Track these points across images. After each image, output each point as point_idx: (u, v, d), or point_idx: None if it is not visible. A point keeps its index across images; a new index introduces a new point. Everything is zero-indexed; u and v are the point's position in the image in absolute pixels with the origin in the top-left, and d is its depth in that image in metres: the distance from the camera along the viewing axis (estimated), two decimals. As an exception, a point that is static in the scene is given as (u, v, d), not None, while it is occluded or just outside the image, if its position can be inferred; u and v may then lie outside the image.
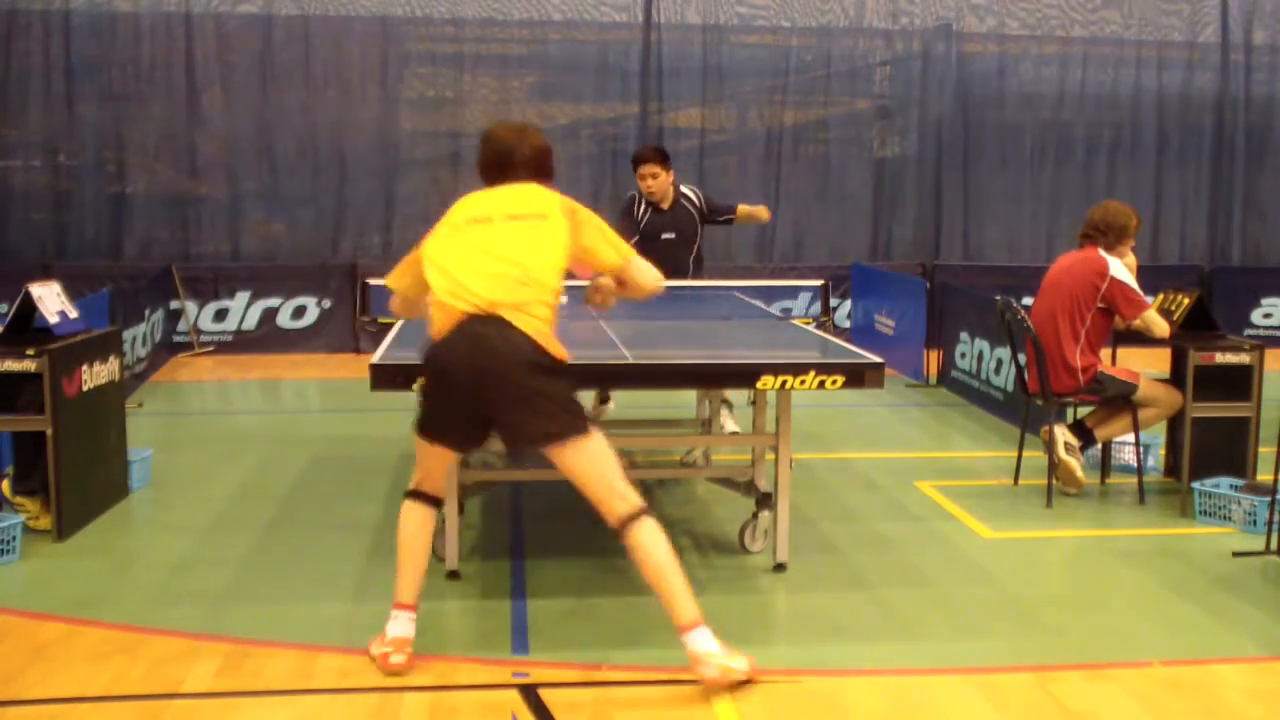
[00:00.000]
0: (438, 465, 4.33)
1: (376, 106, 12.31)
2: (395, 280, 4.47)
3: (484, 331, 3.98)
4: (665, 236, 7.77)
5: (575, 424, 4.06)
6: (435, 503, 4.36)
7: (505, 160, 4.32)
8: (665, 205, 7.81)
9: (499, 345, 3.97)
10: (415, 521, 4.31)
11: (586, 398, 8.19)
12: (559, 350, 4.09)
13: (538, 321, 4.04)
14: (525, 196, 4.26)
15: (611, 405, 8.09)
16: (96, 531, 5.82)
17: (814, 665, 4.29)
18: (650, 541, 4.03)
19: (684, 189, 7.91)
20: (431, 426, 4.21)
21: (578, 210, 4.29)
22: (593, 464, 4.06)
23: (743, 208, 8.20)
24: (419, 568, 4.30)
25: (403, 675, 4.13)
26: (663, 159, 7.84)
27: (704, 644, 4.02)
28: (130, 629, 4.56)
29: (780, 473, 5.20)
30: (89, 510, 5.91)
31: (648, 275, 4.40)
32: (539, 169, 4.36)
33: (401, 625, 4.24)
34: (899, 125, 13.19)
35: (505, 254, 4.08)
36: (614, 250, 4.32)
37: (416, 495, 4.34)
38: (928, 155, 13.00)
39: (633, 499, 4.07)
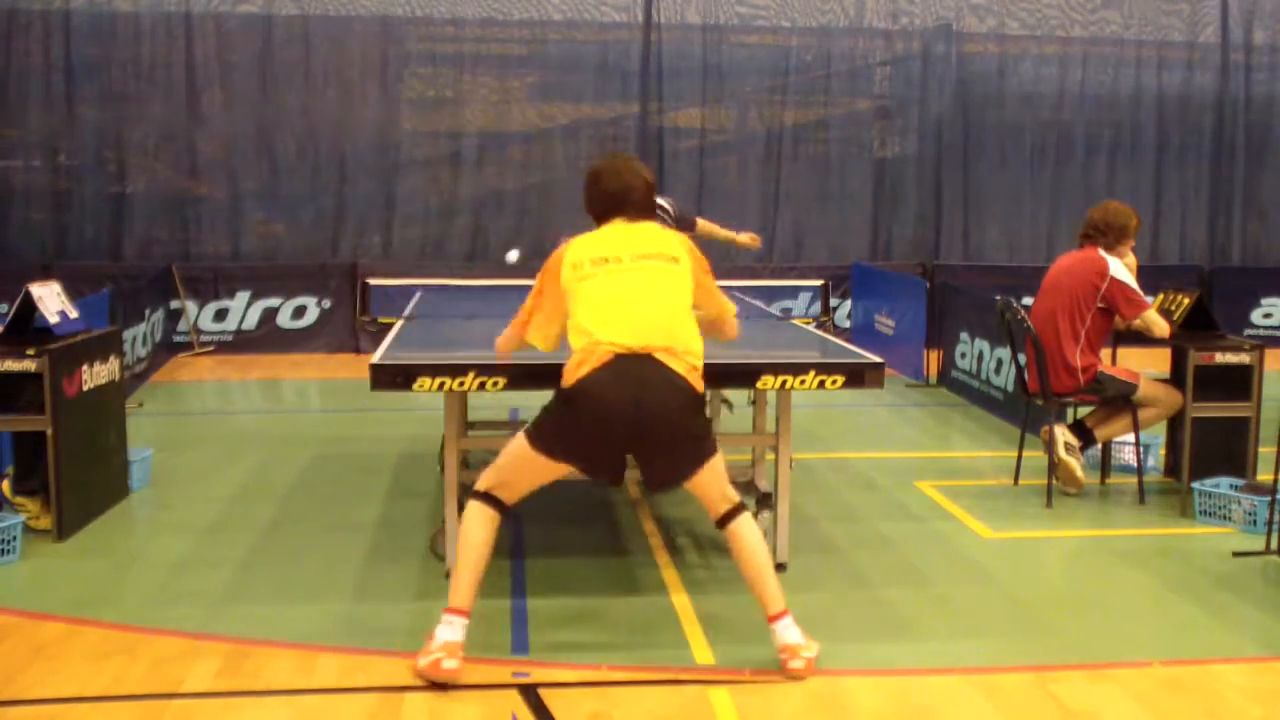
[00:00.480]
0: (535, 481, 4.29)
1: (376, 106, 12.32)
2: (541, 338, 4.39)
3: (643, 375, 4.07)
4: None
5: (711, 449, 4.24)
6: (507, 511, 4.29)
7: (623, 199, 4.36)
8: None
9: (662, 389, 4.09)
10: (486, 526, 4.22)
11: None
12: (701, 385, 4.21)
13: (688, 359, 4.16)
14: (650, 236, 4.34)
15: None
16: (97, 531, 5.82)
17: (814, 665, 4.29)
18: (748, 533, 4.25)
19: (659, 200, 7.89)
20: (566, 452, 4.16)
21: (696, 251, 4.40)
22: (713, 477, 4.25)
23: (713, 227, 8.07)
24: (480, 572, 4.21)
25: (457, 681, 4.04)
26: None
27: (792, 635, 4.18)
28: (130, 629, 4.56)
29: (780, 473, 5.20)
30: (89, 510, 5.91)
31: (735, 326, 4.70)
32: (647, 205, 4.43)
33: (455, 630, 4.14)
34: (899, 125, 13.19)
35: (647, 296, 4.18)
36: (722, 297, 4.56)
37: (489, 499, 4.25)
38: (928, 155, 13.01)
39: (734, 497, 4.29)
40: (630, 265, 4.21)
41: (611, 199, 4.37)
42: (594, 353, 4.08)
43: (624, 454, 4.20)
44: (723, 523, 4.27)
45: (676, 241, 4.37)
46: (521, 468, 4.23)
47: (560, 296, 4.27)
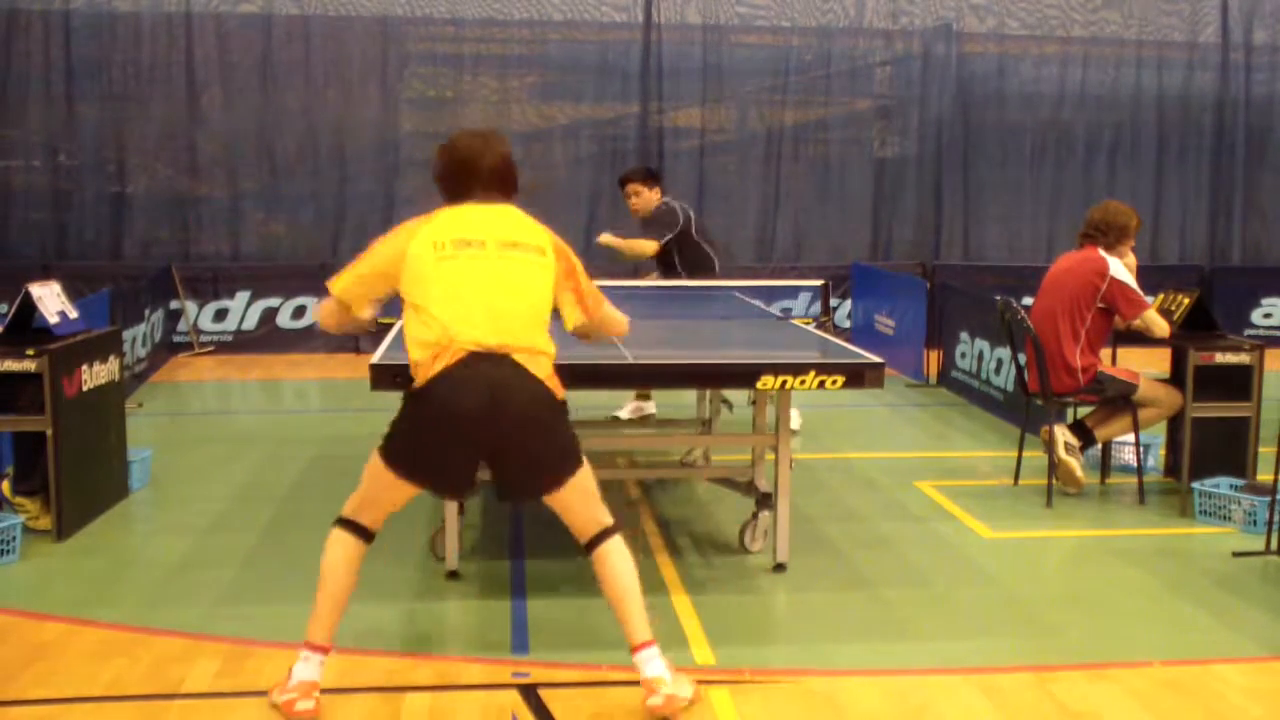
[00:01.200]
0: (394, 502, 3.94)
1: (376, 106, 12.32)
2: (347, 290, 3.91)
3: (500, 377, 3.71)
4: None
5: (574, 463, 3.90)
6: (369, 537, 3.95)
7: (470, 170, 3.96)
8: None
9: (521, 395, 3.74)
10: (347, 554, 3.92)
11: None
12: (561, 391, 3.87)
13: (547, 363, 3.83)
14: (517, 224, 3.95)
15: (652, 405, 8.24)
16: (96, 532, 5.82)
17: (813, 665, 4.29)
18: (619, 559, 3.93)
19: (670, 204, 8.10)
20: (415, 466, 3.82)
21: (570, 254, 4.03)
22: (579, 494, 3.92)
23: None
24: (341, 606, 3.92)
25: None
26: (645, 177, 8.13)
27: (655, 668, 3.86)
28: (130, 629, 4.56)
29: (780, 473, 5.20)
30: (89, 510, 5.91)
31: (623, 321, 4.28)
32: (505, 182, 4.02)
33: (312, 668, 3.87)
34: (899, 125, 13.19)
35: (511, 290, 3.80)
36: (602, 298, 4.16)
37: (351, 525, 3.93)
38: (928, 155, 13.00)
39: (605, 519, 3.96)
40: (495, 253, 3.81)
41: (465, 170, 3.95)
42: (448, 349, 3.69)
43: (475, 464, 3.82)
44: (590, 546, 3.94)
45: (546, 236, 3.97)
46: (378, 487, 3.90)
47: (394, 266, 3.83)
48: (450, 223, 3.88)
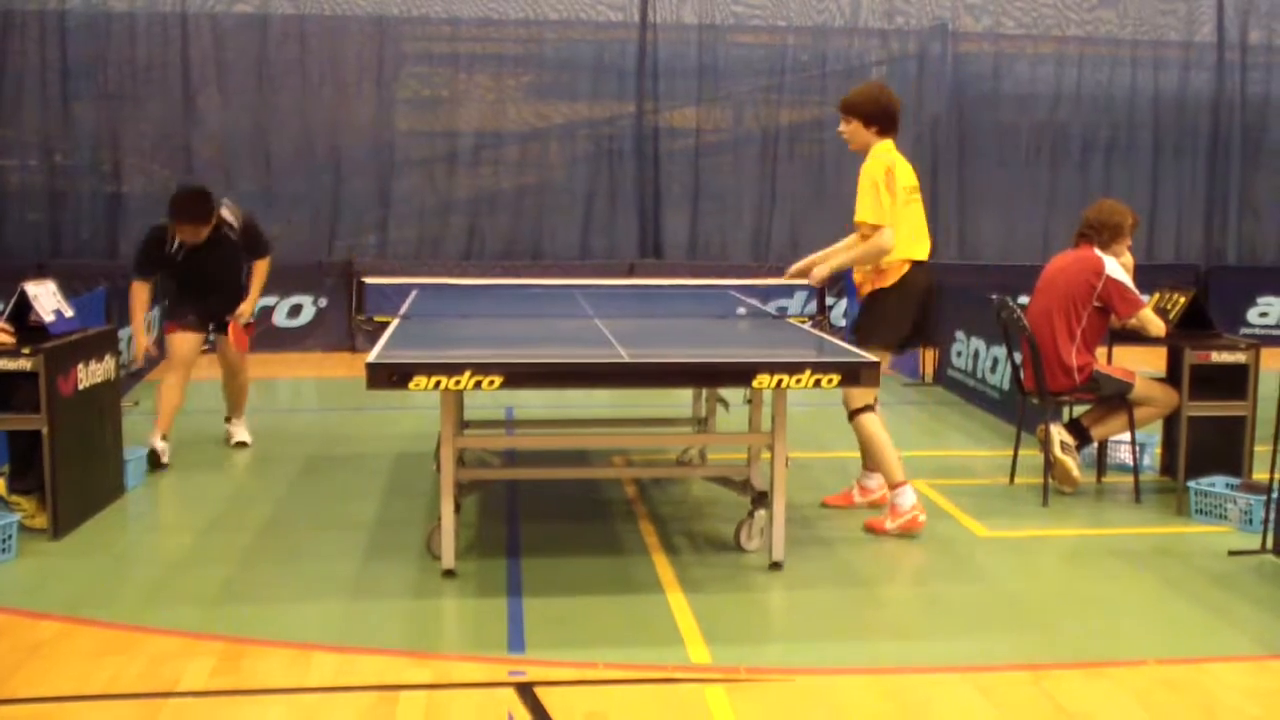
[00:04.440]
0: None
1: (372, 106, 12.32)
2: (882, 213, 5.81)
3: (930, 273, 5.90)
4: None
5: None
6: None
7: (896, 115, 6.11)
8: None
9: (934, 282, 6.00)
10: (878, 422, 5.84)
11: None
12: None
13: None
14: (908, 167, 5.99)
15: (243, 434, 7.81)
16: (92, 530, 5.81)
17: (809, 664, 4.29)
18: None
19: (223, 210, 7.29)
20: (898, 333, 5.84)
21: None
22: None
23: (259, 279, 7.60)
24: (895, 451, 5.81)
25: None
26: (206, 209, 7.13)
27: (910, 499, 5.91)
28: (126, 628, 4.56)
29: (776, 471, 5.20)
30: (85, 509, 5.90)
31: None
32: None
33: (909, 494, 5.73)
34: (895, 125, 13.17)
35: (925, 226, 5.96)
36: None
37: (868, 409, 5.80)
38: (923, 155, 12.98)
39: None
40: (916, 195, 5.95)
41: (896, 120, 6.02)
42: (910, 262, 5.78)
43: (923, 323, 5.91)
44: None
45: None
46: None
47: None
48: (906, 169, 5.92)
